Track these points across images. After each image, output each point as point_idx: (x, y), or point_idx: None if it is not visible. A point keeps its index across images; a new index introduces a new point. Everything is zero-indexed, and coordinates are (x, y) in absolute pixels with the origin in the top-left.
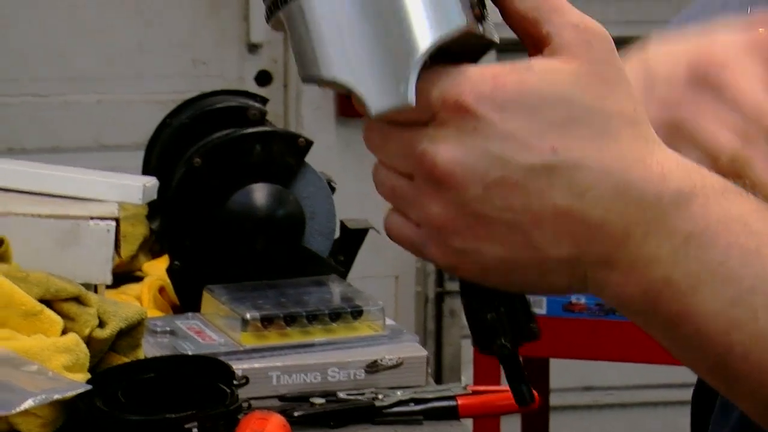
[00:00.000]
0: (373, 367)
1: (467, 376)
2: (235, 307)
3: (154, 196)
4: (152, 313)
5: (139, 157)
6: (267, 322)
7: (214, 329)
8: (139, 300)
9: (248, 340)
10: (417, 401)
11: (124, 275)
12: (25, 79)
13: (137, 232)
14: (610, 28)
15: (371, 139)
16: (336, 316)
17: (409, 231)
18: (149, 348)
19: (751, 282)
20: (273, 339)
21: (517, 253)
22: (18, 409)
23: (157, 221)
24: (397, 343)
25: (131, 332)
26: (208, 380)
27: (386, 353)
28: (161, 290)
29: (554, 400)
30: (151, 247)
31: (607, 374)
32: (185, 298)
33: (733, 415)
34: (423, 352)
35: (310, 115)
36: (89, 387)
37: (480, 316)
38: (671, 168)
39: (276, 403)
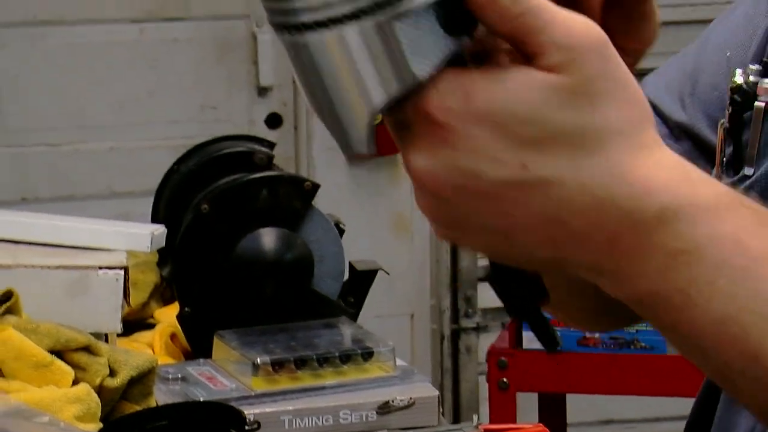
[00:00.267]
0: (384, 409)
1: (484, 413)
2: (245, 351)
3: (163, 244)
4: (164, 360)
5: (151, 203)
6: (278, 366)
7: (226, 375)
8: (151, 347)
9: (259, 385)
10: None
11: (136, 323)
12: (38, 129)
13: (148, 279)
14: None
15: None
16: (347, 358)
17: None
18: (161, 395)
19: (743, 302)
20: (284, 383)
21: (503, 250)
22: None
23: (168, 268)
24: (409, 384)
25: (142, 380)
26: (220, 426)
27: (398, 394)
28: (173, 337)
29: None
30: (163, 294)
31: (626, 407)
32: (196, 344)
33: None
34: (434, 392)
35: (321, 157)
36: None
37: (508, 283)
38: (659, 182)
39: None
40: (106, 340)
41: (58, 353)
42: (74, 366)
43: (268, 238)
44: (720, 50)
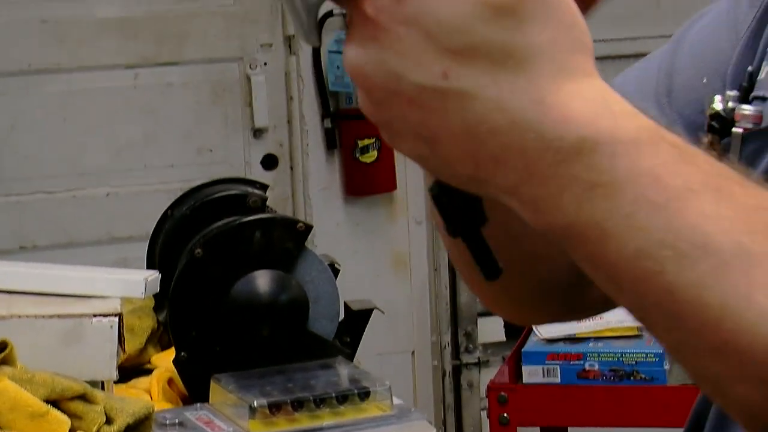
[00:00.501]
0: None
1: None
2: (242, 395)
3: (157, 289)
4: (161, 405)
5: None
6: (275, 408)
7: (223, 419)
8: (149, 393)
9: (257, 428)
10: None
11: (134, 368)
12: (35, 177)
13: (144, 325)
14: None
15: None
16: (343, 398)
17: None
18: None
19: (660, 236)
20: (281, 425)
21: (428, 159)
22: None
23: (164, 313)
24: (406, 422)
25: (139, 427)
26: None
27: None
28: (170, 382)
29: None
30: (160, 339)
31: None
32: (193, 389)
33: None
34: (432, 430)
35: (317, 196)
36: None
37: (446, 199)
38: (578, 112)
39: None
40: (103, 388)
41: (54, 402)
42: (70, 415)
43: (263, 280)
44: (695, 50)
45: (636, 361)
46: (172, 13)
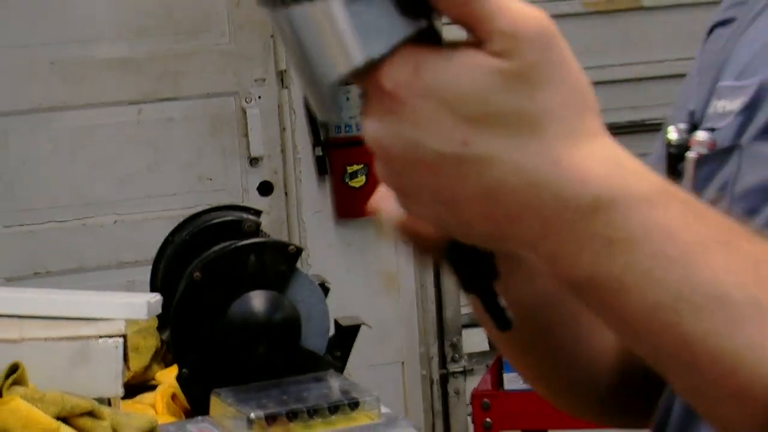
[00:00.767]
0: None
1: None
2: (240, 407)
3: (159, 311)
4: (165, 419)
5: None
6: (271, 419)
7: (223, 430)
8: (154, 408)
9: None
10: None
11: (140, 385)
12: (47, 208)
13: (149, 344)
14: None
15: None
16: (335, 408)
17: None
18: None
19: (677, 289)
20: None
21: (447, 221)
22: None
23: (167, 332)
24: (393, 429)
25: None
26: None
27: None
28: (173, 397)
29: None
30: (164, 357)
31: None
32: (195, 403)
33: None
34: None
35: (310, 220)
36: None
37: (461, 259)
38: (593, 171)
39: None
40: (110, 404)
41: (64, 419)
42: (79, 430)
43: (257, 300)
44: (684, 84)
45: None
46: (171, 52)
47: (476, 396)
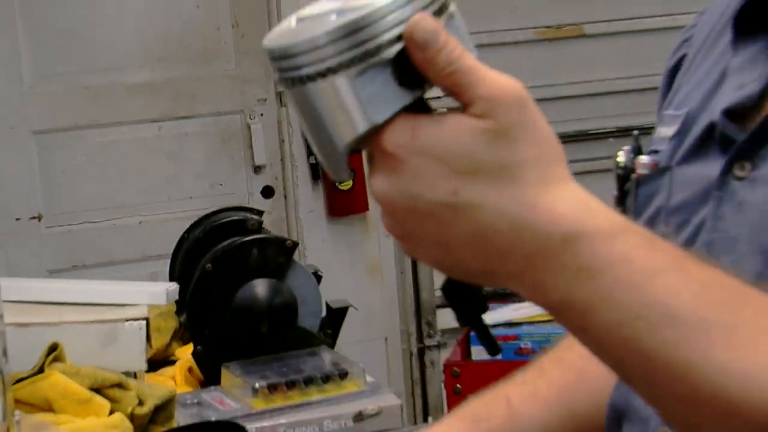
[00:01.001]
0: (358, 417)
1: (445, 412)
2: (246, 378)
3: (177, 297)
4: (183, 389)
5: None
6: (272, 388)
7: (232, 398)
8: (173, 379)
9: (258, 404)
10: None
11: (162, 360)
12: (82, 211)
13: (169, 325)
14: None
15: None
16: (327, 378)
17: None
18: (181, 418)
19: (636, 310)
20: (278, 401)
21: (445, 260)
22: None
23: (183, 315)
24: (377, 396)
25: (165, 407)
26: None
27: (368, 405)
28: (190, 370)
29: None
30: (182, 336)
31: None
32: (208, 375)
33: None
34: (398, 402)
35: (305, 218)
36: None
37: (456, 293)
38: (563, 212)
39: None
40: (135, 377)
41: (97, 390)
42: (110, 399)
43: (260, 287)
44: None
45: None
46: (187, 77)
47: (448, 366)
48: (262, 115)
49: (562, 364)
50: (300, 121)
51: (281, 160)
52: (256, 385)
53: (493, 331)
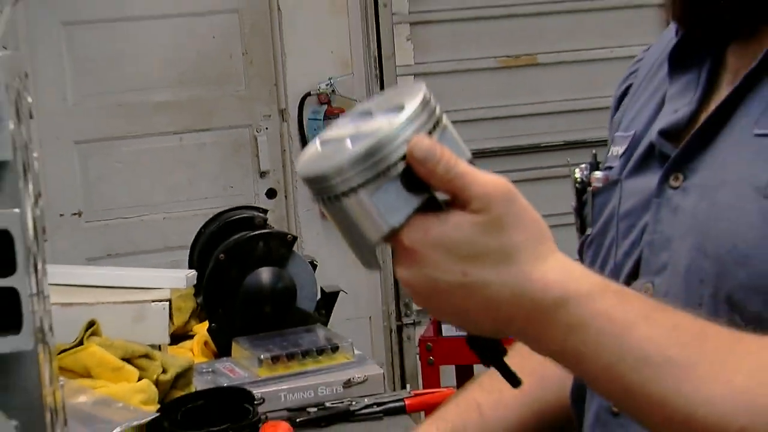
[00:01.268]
0: (347, 384)
1: (420, 381)
2: (253, 351)
3: (195, 282)
4: (200, 359)
5: None
6: (275, 359)
7: (241, 367)
8: (192, 351)
9: (263, 373)
10: (378, 404)
11: (183, 335)
12: (116, 208)
13: (188, 306)
14: None
15: None
16: (321, 351)
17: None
18: (198, 383)
19: (618, 355)
20: (280, 370)
21: (465, 323)
22: None
23: (200, 297)
24: (363, 366)
25: (185, 374)
26: (237, 402)
27: (356, 374)
28: (206, 343)
29: None
30: (199, 315)
31: None
32: (221, 348)
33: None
34: (380, 371)
35: (304, 216)
36: (157, 415)
37: (478, 345)
38: (552, 279)
39: (284, 414)
40: (159, 349)
41: (127, 360)
42: (138, 368)
43: (265, 274)
44: None
45: None
46: (204, 97)
47: (422, 341)
48: (267, 128)
49: (524, 372)
50: (335, 227)
51: (282, 166)
52: (261, 356)
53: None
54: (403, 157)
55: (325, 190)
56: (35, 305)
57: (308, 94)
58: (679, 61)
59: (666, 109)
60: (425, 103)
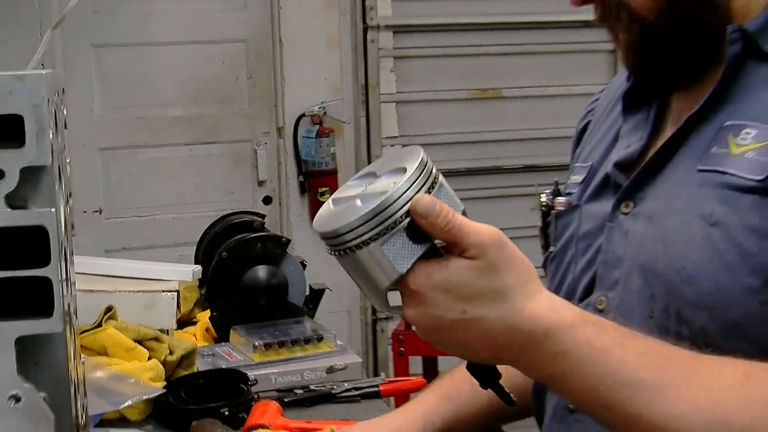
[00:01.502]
0: (330, 370)
1: (392, 370)
2: (249, 338)
3: (200, 276)
4: (202, 343)
5: None
6: (267, 346)
7: (237, 352)
8: (195, 336)
9: (257, 357)
10: (356, 389)
11: (187, 321)
12: (132, 208)
13: (192, 296)
14: None
15: None
16: (308, 341)
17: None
18: (200, 365)
19: (597, 378)
20: (272, 356)
21: (466, 353)
22: (124, 406)
23: (204, 289)
24: (344, 355)
25: (189, 356)
26: (233, 383)
27: (338, 361)
28: (207, 330)
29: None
30: (202, 305)
31: None
32: (220, 334)
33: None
34: (359, 360)
35: (294, 221)
36: (164, 390)
37: (477, 372)
38: (540, 314)
39: (274, 394)
40: (167, 333)
41: (139, 341)
42: (148, 349)
43: (261, 272)
44: None
45: None
46: (212, 114)
47: (395, 334)
48: (265, 143)
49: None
50: (349, 275)
51: (278, 177)
52: (256, 343)
53: None
54: (407, 213)
55: (339, 244)
56: (64, 292)
57: (303, 115)
58: (631, 103)
59: (620, 144)
60: (423, 165)
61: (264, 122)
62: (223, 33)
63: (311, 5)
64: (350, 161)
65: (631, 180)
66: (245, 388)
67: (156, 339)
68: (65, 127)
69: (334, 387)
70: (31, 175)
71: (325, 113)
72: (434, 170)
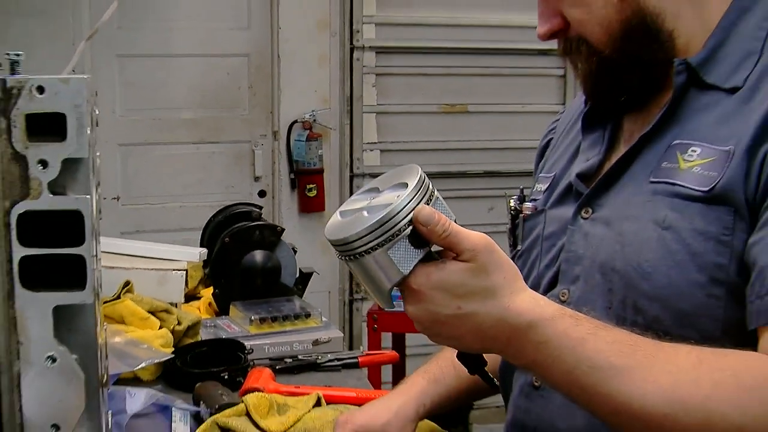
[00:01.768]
0: (316, 343)
1: (365, 344)
2: (246, 313)
3: (205, 257)
4: (205, 316)
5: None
6: (262, 320)
7: (236, 324)
8: (199, 309)
9: (253, 330)
10: (338, 360)
11: (193, 296)
12: (145, 196)
13: (198, 274)
14: None
15: None
16: (297, 317)
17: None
18: (204, 335)
19: (574, 363)
20: (265, 329)
21: (458, 344)
22: (138, 367)
23: (208, 269)
24: (328, 330)
25: (194, 326)
26: (232, 351)
27: (322, 335)
28: (210, 304)
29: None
30: (206, 282)
31: None
32: (222, 309)
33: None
34: (341, 334)
35: (287, 214)
36: (172, 356)
37: (467, 360)
38: (524, 309)
39: (267, 362)
40: (176, 306)
41: (152, 312)
42: (160, 319)
43: (258, 256)
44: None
45: None
46: (216, 116)
47: (370, 313)
48: (262, 145)
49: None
50: (357, 277)
51: (272, 174)
52: (252, 317)
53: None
54: (410, 222)
55: (349, 251)
56: (95, 267)
57: (295, 121)
58: (589, 123)
59: (580, 158)
60: (422, 180)
61: (261, 126)
62: (228, 48)
63: (306, 27)
64: (335, 162)
65: (591, 189)
66: (242, 356)
67: (166, 311)
68: (96, 125)
69: (319, 357)
70: (70, 165)
71: (314, 120)
72: (431, 185)
